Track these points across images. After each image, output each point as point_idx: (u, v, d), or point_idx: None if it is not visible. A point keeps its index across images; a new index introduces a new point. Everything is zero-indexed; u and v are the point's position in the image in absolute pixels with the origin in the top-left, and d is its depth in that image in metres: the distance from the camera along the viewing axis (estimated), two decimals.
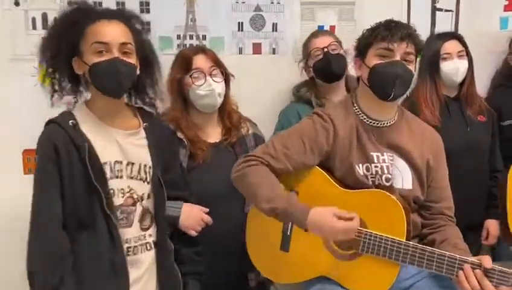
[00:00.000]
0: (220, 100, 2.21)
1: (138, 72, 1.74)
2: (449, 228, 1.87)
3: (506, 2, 3.03)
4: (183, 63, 2.20)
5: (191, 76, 2.17)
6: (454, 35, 2.67)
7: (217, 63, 2.23)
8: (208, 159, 2.15)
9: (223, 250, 2.11)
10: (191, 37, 2.71)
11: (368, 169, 1.84)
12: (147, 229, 1.77)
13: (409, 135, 1.91)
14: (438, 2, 2.96)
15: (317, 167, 1.87)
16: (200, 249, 1.94)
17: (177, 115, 2.19)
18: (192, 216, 1.90)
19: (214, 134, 2.26)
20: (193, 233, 1.91)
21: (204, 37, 2.72)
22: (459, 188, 2.47)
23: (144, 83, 1.78)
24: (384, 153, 1.86)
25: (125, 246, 1.70)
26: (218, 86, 2.19)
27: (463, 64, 2.61)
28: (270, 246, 1.91)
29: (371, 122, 1.89)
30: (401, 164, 1.86)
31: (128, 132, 1.76)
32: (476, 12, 3.00)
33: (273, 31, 2.79)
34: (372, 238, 1.71)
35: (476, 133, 2.61)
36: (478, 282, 1.57)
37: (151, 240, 1.78)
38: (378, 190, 1.78)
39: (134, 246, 1.73)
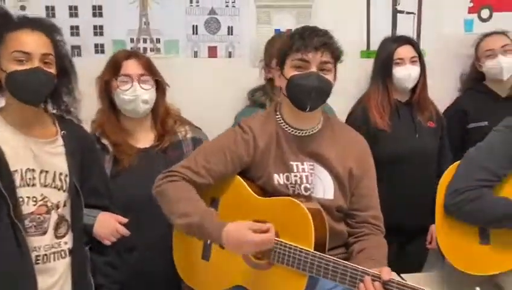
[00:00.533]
0: (145, 107, 2.20)
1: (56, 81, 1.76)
2: (372, 238, 1.84)
3: (471, 4, 2.97)
4: (113, 66, 2.20)
5: (117, 80, 2.19)
6: (409, 40, 2.63)
7: (149, 70, 2.22)
8: (134, 164, 2.15)
9: (150, 257, 2.11)
10: (144, 41, 2.73)
11: (287, 178, 1.82)
12: (63, 236, 1.78)
13: (331, 143, 1.88)
14: (399, 4, 2.92)
15: (238, 176, 1.87)
16: (111, 260, 1.94)
17: (104, 119, 2.20)
18: (106, 226, 1.90)
19: (144, 139, 2.25)
20: (107, 242, 1.91)
21: (158, 40, 2.74)
22: (406, 193, 2.51)
23: (60, 91, 1.80)
24: (305, 162, 1.84)
25: (34, 254, 1.70)
26: (145, 93, 2.18)
27: (415, 70, 2.58)
28: (192, 255, 1.89)
29: (292, 131, 1.87)
30: (322, 173, 1.84)
31: (44, 140, 1.77)
32: (439, 14, 2.95)
33: (228, 34, 2.79)
34: (282, 247, 1.71)
35: (424, 139, 2.58)
36: None
37: (66, 247, 1.78)
38: (288, 197, 1.76)
39: (45, 255, 1.73)
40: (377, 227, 1.87)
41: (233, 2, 2.76)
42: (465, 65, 2.97)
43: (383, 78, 2.60)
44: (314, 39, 1.77)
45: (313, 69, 1.78)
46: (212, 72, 2.79)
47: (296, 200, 1.73)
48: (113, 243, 1.92)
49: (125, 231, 1.93)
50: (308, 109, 1.80)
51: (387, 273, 1.56)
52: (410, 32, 2.93)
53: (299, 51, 1.77)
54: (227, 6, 2.76)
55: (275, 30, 2.82)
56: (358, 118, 2.61)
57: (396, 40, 2.64)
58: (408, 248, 2.63)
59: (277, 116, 1.90)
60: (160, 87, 2.29)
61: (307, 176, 1.83)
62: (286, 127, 1.88)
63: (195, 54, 2.78)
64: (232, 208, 1.83)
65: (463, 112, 2.79)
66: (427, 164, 2.56)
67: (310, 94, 1.77)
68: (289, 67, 1.81)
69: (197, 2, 2.73)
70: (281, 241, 1.71)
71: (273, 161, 1.84)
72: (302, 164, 1.84)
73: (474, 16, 2.98)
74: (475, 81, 2.90)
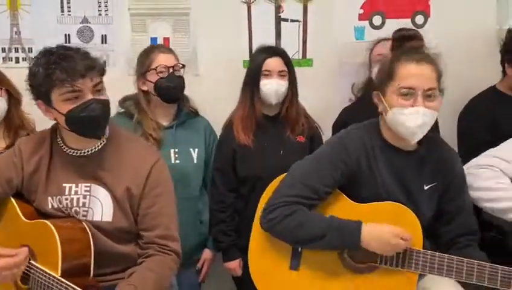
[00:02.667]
0: None
1: None
2: (156, 258, 1.75)
3: (361, 11, 2.84)
4: None
5: None
6: (278, 52, 2.48)
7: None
8: None
9: None
10: (16, 50, 2.73)
11: (60, 202, 1.76)
12: None
13: (112, 162, 1.78)
14: (282, 12, 2.81)
15: (12, 199, 1.81)
16: None
17: None
18: None
19: None
20: None
21: (30, 50, 2.73)
22: None
23: None
24: (80, 184, 1.76)
25: None
26: None
27: (282, 84, 2.43)
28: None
29: (70, 151, 1.79)
30: (101, 194, 1.76)
31: None
32: (327, 22, 2.84)
33: (102, 43, 2.76)
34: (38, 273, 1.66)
35: (289, 155, 2.43)
36: None
37: None
38: (43, 220, 1.69)
39: None
40: (164, 247, 1.77)
41: (107, 10, 2.73)
42: (358, 74, 2.84)
43: (251, 90, 2.47)
44: (78, 65, 1.65)
45: (89, 96, 1.68)
46: None
47: (48, 223, 1.66)
48: None
49: None
50: (100, 136, 1.76)
51: None
52: (296, 41, 2.83)
53: (65, 83, 1.64)
54: (100, 14, 2.74)
55: (151, 38, 2.77)
56: (222, 134, 2.54)
57: (265, 51, 2.50)
58: None
59: (57, 138, 1.82)
60: (12, 97, 2.27)
61: (78, 199, 1.76)
62: (64, 148, 1.80)
63: None
64: (3, 230, 1.79)
65: (344, 123, 2.65)
66: None
67: (98, 123, 1.72)
68: (60, 102, 1.68)
69: (69, 10, 2.71)
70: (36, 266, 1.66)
71: (45, 184, 1.78)
72: (77, 186, 1.77)
73: (366, 23, 2.85)
74: (366, 91, 2.76)
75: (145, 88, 2.42)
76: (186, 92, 2.64)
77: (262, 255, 1.90)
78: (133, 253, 1.79)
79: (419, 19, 2.85)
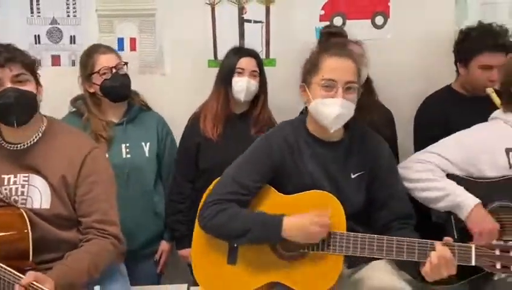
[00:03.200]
0: None
1: None
2: (93, 241, 1.84)
3: (322, 12, 2.92)
4: None
5: None
6: (252, 54, 2.58)
7: None
8: None
9: None
10: None
11: (0, 192, 1.86)
12: None
13: (48, 154, 1.88)
14: (245, 13, 2.90)
15: None
16: None
17: None
18: None
19: None
20: None
21: None
22: None
23: None
24: (18, 175, 1.86)
25: None
26: None
27: (252, 83, 2.53)
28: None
29: (7, 145, 1.89)
30: (40, 183, 1.86)
31: None
32: (290, 23, 2.92)
33: (71, 43, 2.86)
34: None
35: None
36: None
37: None
38: None
39: None
40: (102, 231, 1.87)
41: (75, 11, 2.83)
42: None
43: (224, 87, 2.56)
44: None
45: (7, 85, 1.80)
46: (56, 81, 2.84)
47: None
48: None
49: None
50: (16, 124, 1.83)
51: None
52: (259, 41, 2.91)
53: None
54: (68, 16, 2.84)
55: (118, 39, 2.87)
56: (187, 126, 2.62)
57: (240, 51, 2.60)
58: None
59: None
60: None
61: (17, 188, 1.86)
62: (2, 142, 1.91)
63: (39, 63, 2.83)
64: None
65: None
66: None
67: (11, 111, 1.80)
68: None
69: (38, 12, 2.82)
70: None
71: None
72: (15, 176, 1.87)
73: (327, 24, 2.92)
74: None
75: (92, 90, 2.51)
76: (153, 91, 2.75)
77: (203, 250, 1.98)
78: (75, 239, 1.87)
79: (379, 19, 2.93)
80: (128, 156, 2.50)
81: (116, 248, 1.88)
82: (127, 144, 2.51)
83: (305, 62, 1.98)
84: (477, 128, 2.17)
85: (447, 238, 1.73)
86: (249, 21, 2.91)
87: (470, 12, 2.93)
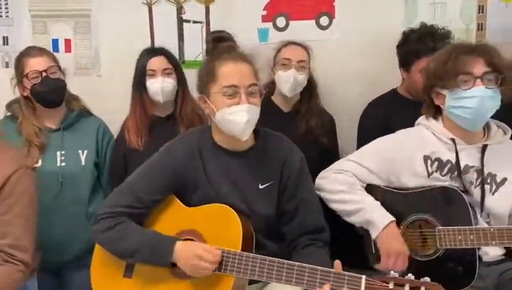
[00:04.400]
0: None
1: None
2: (2, 268, 1.79)
3: (265, 12, 2.81)
4: None
5: None
6: (162, 52, 2.48)
7: None
8: None
9: None
10: None
11: None
12: None
13: None
14: (184, 13, 2.80)
15: None
16: None
17: None
18: None
19: None
20: None
21: None
22: None
23: None
24: None
25: None
26: None
27: (168, 82, 2.43)
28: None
29: None
30: None
31: None
32: (231, 23, 2.81)
33: (4, 44, 2.78)
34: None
35: None
36: None
37: None
38: None
39: None
40: (12, 257, 1.81)
41: (7, 12, 2.75)
42: (261, 76, 2.80)
43: (139, 92, 2.48)
44: None
45: None
46: None
47: None
48: None
49: None
50: None
51: None
52: (199, 42, 2.81)
53: None
54: (0, 16, 2.75)
55: (53, 40, 2.79)
56: (117, 137, 2.54)
57: (148, 52, 2.51)
58: None
59: None
60: None
61: None
62: None
63: None
64: None
65: None
66: None
67: None
68: None
69: None
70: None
71: None
72: None
73: (270, 24, 2.81)
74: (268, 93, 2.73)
75: (25, 94, 2.40)
76: (89, 93, 2.65)
77: (103, 261, 1.90)
78: None
79: (324, 20, 2.81)
80: (63, 164, 2.39)
81: (23, 274, 1.83)
82: (63, 152, 2.40)
83: (199, 73, 1.87)
84: (398, 135, 2.06)
85: (338, 263, 1.60)
86: (188, 21, 2.81)
87: (420, 12, 2.80)
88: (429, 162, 1.94)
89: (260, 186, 1.85)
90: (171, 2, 2.79)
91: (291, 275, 1.63)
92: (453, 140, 1.94)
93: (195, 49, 2.79)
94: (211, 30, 2.80)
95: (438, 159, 1.94)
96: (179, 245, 1.74)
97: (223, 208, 1.78)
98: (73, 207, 2.38)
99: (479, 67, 1.84)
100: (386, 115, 2.54)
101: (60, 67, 2.40)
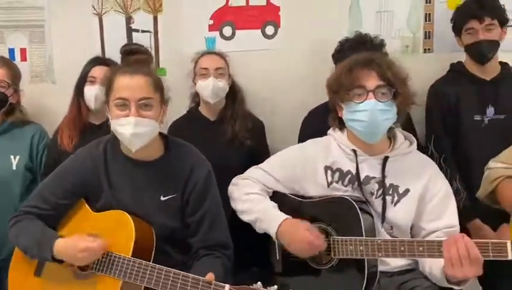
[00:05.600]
0: None
1: None
2: None
3: (211, 22, 2.86)
4: None
5: None
6: (105, 62, 2.57)
7: None
8: None
9: None
10: None
11: None
12: None
13: None
14: (133, 22, 2.88)
15: None
16: None
17: None
18: None
19: None
20: None
21: None
22: None
23: None
24: None
25: None
26: None
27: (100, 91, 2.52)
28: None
29: None
30: None
31: None
32: (178, 32, 2.88)
33: None
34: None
35: None
36: None
37: None
38: None
39: None
40: None
41: None
42: None
43: (77, 96, 2.60)
44: None
45: None
46: None
47: None
48: None
49: None
50: None
51: None
52: None
53: None
54: None
55: (9, 49, 2.90)
56: (50, 140, 2.64)
57: (93, 61, 2.61)
58: None
59: None
60: None
61: None
62: None
63: None
64: None
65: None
66: None
67: None
68: None
69: None
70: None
71: None
72: None
73: (216, 33, 2.87)
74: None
75: None
76: (45, 100, 2.76)
77: (18, 260, 1.98)
78: None
79: (270, 29, 2.85)
80: None
81: None
82: None
83: (102, 83, 1.94)
84: (305, 145, 2.10)
85: (210, 274, 1.63)
86: (137, 30, 2.88)
87: (366, 21, 2.81)
88: (329, 172, 1.96)
89: (162, 198, 1.90)
90: (120, 12, 2.87)
91: (167, 282, 1.68)
92: (354, 151, 1.95)
93: None
94: (126, 42, 2.84)
95: (338, 170, 1.96)
96: (60, 240, 1.82)
97: (120, 214, 1.85)
98: (5, 212, 2.44)
99: (372, 81, 1.85)
100: (325, 124, 2.55)
101: (9, 84, 2.54)
